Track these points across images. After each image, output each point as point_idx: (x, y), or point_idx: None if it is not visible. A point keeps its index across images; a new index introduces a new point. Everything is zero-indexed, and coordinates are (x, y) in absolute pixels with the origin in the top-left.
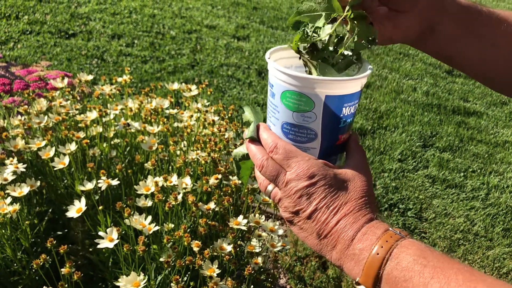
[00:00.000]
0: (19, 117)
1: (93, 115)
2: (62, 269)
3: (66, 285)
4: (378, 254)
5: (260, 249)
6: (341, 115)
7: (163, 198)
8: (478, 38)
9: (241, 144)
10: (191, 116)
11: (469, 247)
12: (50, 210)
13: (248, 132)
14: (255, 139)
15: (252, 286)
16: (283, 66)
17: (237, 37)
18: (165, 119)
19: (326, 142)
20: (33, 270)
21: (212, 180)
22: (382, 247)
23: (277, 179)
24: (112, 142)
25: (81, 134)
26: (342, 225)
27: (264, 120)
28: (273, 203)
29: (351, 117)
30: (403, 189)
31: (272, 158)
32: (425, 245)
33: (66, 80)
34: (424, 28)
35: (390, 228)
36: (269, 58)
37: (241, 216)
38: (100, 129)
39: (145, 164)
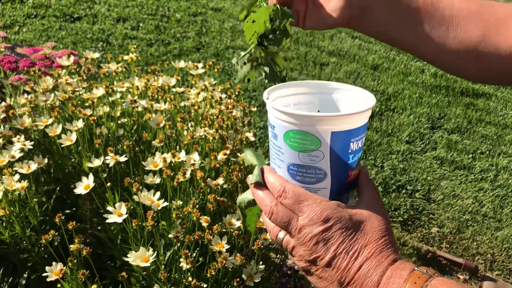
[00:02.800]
0: (26, 95)
1: (99, 92)
2: (71, 246)
3: (75, 261)
4: None
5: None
6: (349, 151)
7: (172, 174)
8: (414, 25)
9: (245, 190)
10: (198, 93)
11: (477, 228)
12: (57, 189)
13: (252, 177)
14: (261, 184)
15: (261, 262)
16: (281, 105)
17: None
18: (172, 96)
19: (336, 181)
20: (42, 248)
21: (221, 156)
22: None
23: (289, 226)
24: (119, 122)
25: (88, 112)
26: (365, 270)
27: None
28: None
29: (359, 152)
30: (411, 170)
31: (281, 203)
32: (456, 282)
33: (72, 58)
34: (355, 11)
35: (416, 268)
36: (267, 98)
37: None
38: (106, 108)
39: (153, 142)
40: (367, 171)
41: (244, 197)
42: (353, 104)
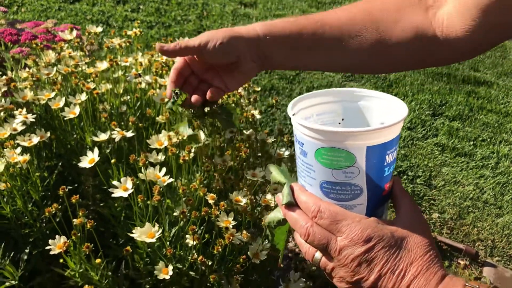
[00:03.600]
0: (27, 69)
1: (103, 65)
2: (74, 220)
3: (79, 234)
4: None
5: (276, 204)
6: (385, 164)
7: (177, 152)
8: (309, 53)
9: (274, 208)
10: None
11: (478, 214)
12: (59, 164)
13: (283, 198)
14: (293, 204)
15: (267, 241)
16: (303, 117)
17: (244, 4)
18: None
19: (373, 195)
20: (44, 224)
21: (227, 133)
22: None
23: (328, 247)
24: (122, 99)
25: (91, 85)
26: None
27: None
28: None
29: (393, 163)
30: (412, 156)
31: (317, 224)
32: None
33: (74, 32)
34: (263, 61)
35: (467, 284)
36: (293, 114)
37: (258, 169)
38: (109, 86)
39: (157, 118)
40: (400, 181)
41: (274, 216)
42: (381, 112)
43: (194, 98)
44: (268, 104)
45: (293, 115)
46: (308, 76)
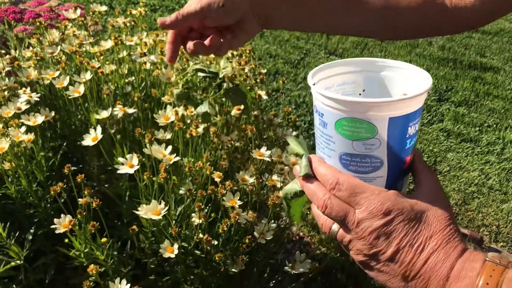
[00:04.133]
0: (31, 48)
1: (108, 44)
2: (79, 199)
3: (85, 213)
4: None
5: (282, 184)
6: (407, 136)
7: (184, 127)
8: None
9: (291, 180)
10: None
11: (483, 200)
12: (64, 145)
13: (301, 169)
14: (311, 176)
15: (272, 221)
16: (323, 88)
17: None
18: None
19: (393, 168)
20: (49, 204)
21: (234, 111)
22: (487, 283)
23: (346, 220)
24: (127, 80)
25: (96, 64)
26: (432, 263)
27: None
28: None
29: (415, 136)
30: (417, 142)
31: (335, 196)
32: None
33: (78, 11)
34: (263, 25)
35: (488, 258)
36: (314, 84)
37: (264, 148)
38: (113, 66)
39: (162, 98)
40: (421, 154)
41: (291, 188)
42: (404, 83)
43: (190, 44)
44: (273, 88)
45: (313, 84)
46: (313, 60)
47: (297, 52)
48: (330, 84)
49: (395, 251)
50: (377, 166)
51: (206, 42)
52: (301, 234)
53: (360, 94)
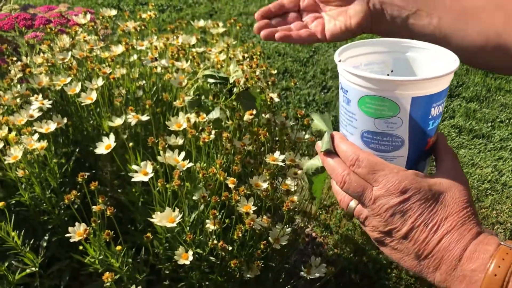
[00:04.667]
0: (42, 54)
1: (119, 49)
2: (93, 207)
3: (99, 221)
4: (496, 275)
5: (295, 188)
6: (430, 117)
7: (196, 134)
8: (433, 19)
9: (313, 156)
10: (220, 52)
11: (497, 197)
12: (77, 151)
13: (322, 144)
14: (332, 152)
15: (287, 226)
16: (351, 66)
17: None
18: (195, 53)
19: (414, 149)
20: (62, 210)
21: (247, 116)
22: (499, 266)
23: (363, 196)
24: (137, 84)
25: (107, 70)
26: (446, 243)
27: (336, 128)
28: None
29: (439, 118)
30: None
31: (354, 173)
32: None
33: (89, 16)
34: (374, 12)
35: (502, 242)
36: (339, 60)
37: (277, 152)
38: (123, 70)
39: (174, 103)
40: (445, 138)
41: (312, 163)
42: (431, 64)
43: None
44: (282, 87)
45: (339, 61)
46: (322, 58)
47: (306, 50)
48: (358, 63)
49: (409, 229)
50: (398, 145)
51: (295, 33)
52: (313, 234)
53: (388, 75)
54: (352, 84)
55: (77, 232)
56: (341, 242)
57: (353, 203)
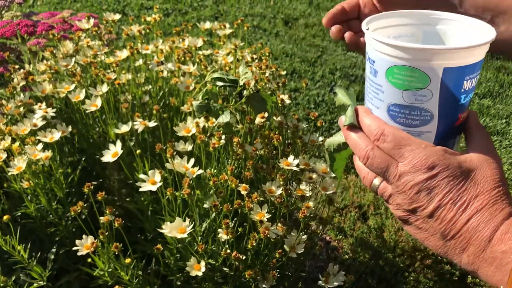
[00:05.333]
0: (45, 61)
1: (124, 54)
2: (101, 218)
3: (107, 233)
4: None
5: (310, 193)
6: (462, 90)
7: (205, 140)
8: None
9: (336, 132)
10: (228, 54)
11: None
12: (83, 159)
13: (346, 118)
14: (355, 126)
15: (302, 233)
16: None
17: None
18: (202, 56)
19: (444, 124)
20: (70, 221)
21: (258, 119)
22: None
23: (387, 172)
24: (144, 89)
25: (112, 76)
26: (475, 223)
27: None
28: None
29: (471, 92)
30: None
31: (378, 148)
32: None
33: (92, 21)
34: None
35: None
36: (367, 29)
37: (291, 157)
38: (129, 76)
39: (181, 108)
40: (476, 114)
41: (334, 139)
42: (463, 36)
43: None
44: (291, 88)
45: (367, 29)
46: (330, 58)
47: (314, 50)
48: (386, 35)
49: (436, 208)
50: (427, 120)
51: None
52: (327, 238)
53: None
54: (380, 54)
55: (84, 245)
56: (356, 246)
57: (376, 181)
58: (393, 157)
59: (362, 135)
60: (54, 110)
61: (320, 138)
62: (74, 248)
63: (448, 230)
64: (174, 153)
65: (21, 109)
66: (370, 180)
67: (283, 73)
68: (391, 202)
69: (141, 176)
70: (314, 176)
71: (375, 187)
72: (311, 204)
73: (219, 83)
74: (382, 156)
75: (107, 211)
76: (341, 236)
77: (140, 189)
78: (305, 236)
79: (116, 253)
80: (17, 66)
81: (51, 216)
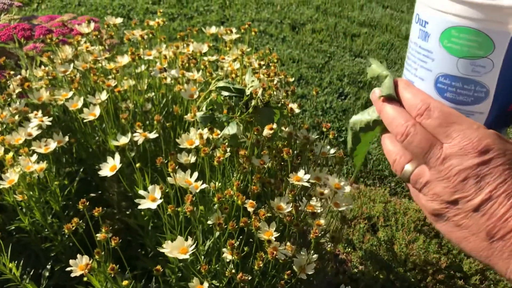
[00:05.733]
0: (42, 67)
1: (125, 60)
2: (97, 235)
3: (103, 252)
4: None
5: (321, 210)
6: None
7: (210, 153)
8: None
9: (363, 110)
10: (234, 60)
11: None
12: (81, 170)
13: (383, 89)
14: (394, 98)
15: (312, 252)
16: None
17: None
18: (207, 62)
19: (498, 105)
20: (66, 236)
21: (266, 131)
22: None
23: (429, 154)
24: (146, 96)
25: (112, 82)
26: None
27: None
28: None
29: None
30: None
31: (420, 125)
32: None
33: (92, 24)
34: None
35: None
36: None
37: (302, 171)
38: (132, 82)
39: (185, 116)
40: None
41: (362, 117)
42: None
43: None
44: (298, 94)
45: None
46: (338, 64)
47: (321, 56)
48: None
49: (485, 200)
50: (481, 97)
51: None
52: (336, 251)
53: None
54: (437, 13)
55: (79, 265)
56: (366, 259)
57: (409, 166)
58: (438, 137)
59: (401, 109)
60: (51, 118)
61: (332, 151)
62: (68, 269)
63: (497, 228)
64: (176, 167)
65: (16, 117)
66: (402, 165)
67: (291, 79)
68: (426, 192)
69: (140, 192)
70: (326, 191)
71: (407, 174)
72: (322, 221)
73: (225, 93)
74: (425, 134)
75: (103, 230)
76: (349, 249)
77: (139, 207)
78: (315, 256)
79: (113, 275)
80: (12, 72)
81: (46, 230)
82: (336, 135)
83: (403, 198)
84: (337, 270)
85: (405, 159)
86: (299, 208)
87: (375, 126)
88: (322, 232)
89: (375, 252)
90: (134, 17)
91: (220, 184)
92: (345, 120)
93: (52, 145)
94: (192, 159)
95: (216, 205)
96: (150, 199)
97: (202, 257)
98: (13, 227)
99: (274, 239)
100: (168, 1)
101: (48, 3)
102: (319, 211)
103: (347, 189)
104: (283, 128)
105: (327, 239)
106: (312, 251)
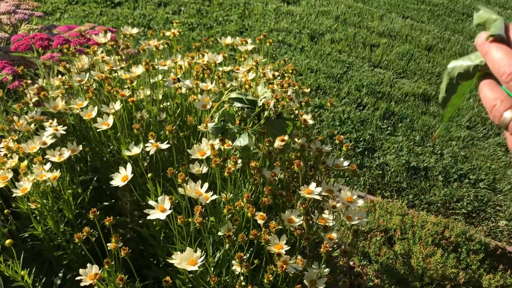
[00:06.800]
0: (60, 76)
1: (139, 70)
2: (108, 244)
3: (113, 262)
4: None
5: (334, 223)
6: None
7: (221, 163)
8: None
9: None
10: (249, 71)
11: None
12: (95, 179)
13: (492, 28)
14: (503, 39)
15: (324, 266)
16: None
17: (287, 1)
18: (220, 73)
19: None
20: (78, 244)
21: (278, 143)
22: None
23: None
24: (161, 106)
25: (127, 92)
26: None
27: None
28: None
29: None
30: (473, 158)
31: None
32: None
33: (109, 35)
34: None
35: None
36: None
37: (313, 184)
38: (148, 92)
39: (198, 127)
40: None
41: (462, 63)
42: None
43: None
44: (315, 104)
45: None
46: (357, 74)
47: (340, 66)
48: None
49: None
50: None
51: None
52: (351, 263)
53: None
54: None
55: (88, 274)
56: (382, 273)
57: (509, 113)
58: None
59: (510, 50)
60: (65, 127)
61: (346, 163)
62: (77, 278)
63: None
64: (187, 178)
65: (32, 125)
66: (501, 112)
67: (307, 90)
68: None
69: (150, 202)
70: (339, 205)
71: (507, 120)
72: (334, 235)
73: (237, 104)
74: None
75: (113, 239)
76: (365, 262)
77: (148, 217)
78: (327, 270)
79: (121, 286)
80: (29, 81)
81: (59, 238)
82: (353, 145)
83: (421, 211)
84: (352, 283)
85: (505, 105)
86: (311, 221)
87: (474, 73)
88: (335, 246)
89: (391, 266)
90: (155, 27)
91: (231, 195)
92: (363, 130)
93: (66, 154)
94: (204, 169)
95: (227, 217)
96: (159, 209)
97: (212, 268)
98: (26, 235)
99: (284, 252)
100: (188, 11)
101: (71, 13)
102: (331, 224)
103: (360, 202)
104: (296, 139)
105: (339, 253)
106: (324, 265)
